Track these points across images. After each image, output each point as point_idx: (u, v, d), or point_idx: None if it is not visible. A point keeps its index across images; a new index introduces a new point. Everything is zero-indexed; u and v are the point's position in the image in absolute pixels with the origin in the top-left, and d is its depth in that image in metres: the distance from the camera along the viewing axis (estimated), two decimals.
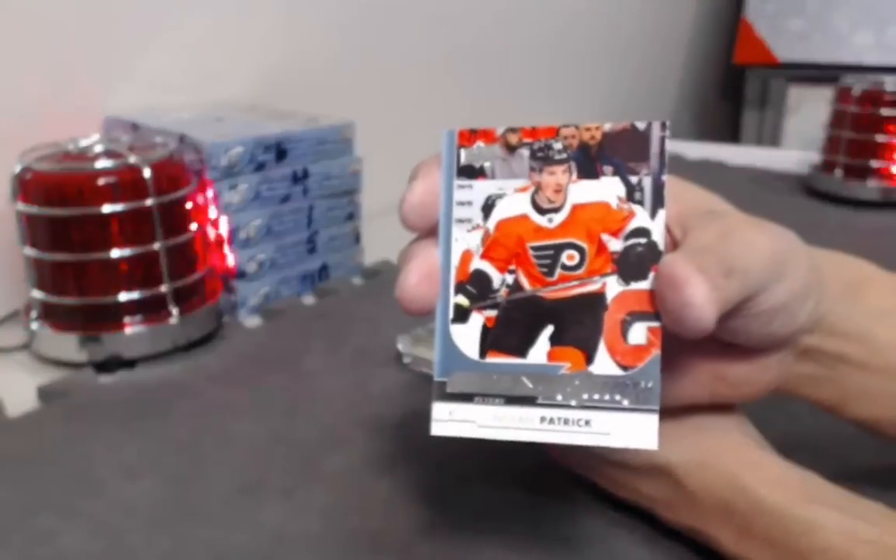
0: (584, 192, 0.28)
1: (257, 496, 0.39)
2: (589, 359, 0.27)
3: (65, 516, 0.37)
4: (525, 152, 0.29)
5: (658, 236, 0.27)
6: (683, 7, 1.50)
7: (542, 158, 0.29)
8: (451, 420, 0.28)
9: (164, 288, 0.53)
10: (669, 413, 0.32)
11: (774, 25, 1.40)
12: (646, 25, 1.39)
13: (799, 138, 1.37)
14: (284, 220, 0.63)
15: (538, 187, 0.29)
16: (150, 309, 0.53)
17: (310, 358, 0.54)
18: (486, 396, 0.28)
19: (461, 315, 0.29)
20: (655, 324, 0.27)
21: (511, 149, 0.29)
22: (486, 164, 0.29)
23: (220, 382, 0.51)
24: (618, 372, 0.27)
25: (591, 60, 1.28)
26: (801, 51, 1.38)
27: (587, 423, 0.27)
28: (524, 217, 0.29)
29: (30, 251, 0.52)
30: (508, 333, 0.28)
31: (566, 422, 0.27)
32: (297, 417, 0.46)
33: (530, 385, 0.28)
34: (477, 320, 0.29)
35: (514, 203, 0.29)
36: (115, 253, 0.51)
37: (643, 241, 0.27)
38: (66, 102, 0.64)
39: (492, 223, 0.29)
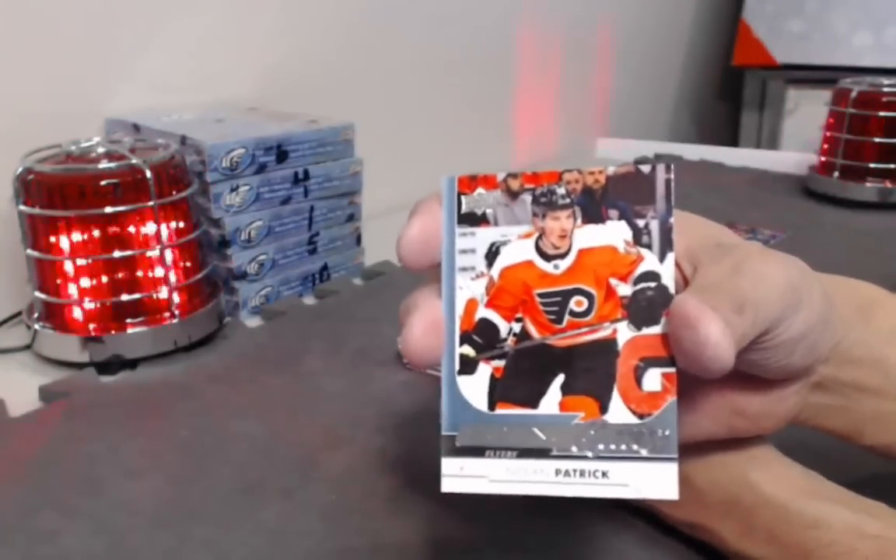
0: (590, 236, 0.28)
1: (258, 496, 0.39)
2: (603, 408, 0.27)
3: (66, 515, 0.38)
4: (527, 198, 0.28)
5: (668, 279, 0.27)
6: (682, 9, 1.51)
7: (546, 203, 0.28)
8: (462, 476, 0.27)
9: (165, 288, 0.53)
10: (688, 447, 0.31)
11: (773, 27, 1.41)
12: (645, 27, 1.39)
13: (797, 140, 1.37)
14: (285, 221, 0.63)
15: (542, 233, 0.28)
16: (152, 310, 0.53)
17: (310, 358, 0.54)
18: (497, 450, 0.27)
19: (467, 366, 0.28)
20: (670, 369, 0.26)
21: (513, 195, 0.28)
22: (489, 211, 0.28)
23: (221, 382, 0.51)
24: (633, 420, 0.26)
25: (591, 61, 1.28)
26: (800, 52, 1.38)
27: (604, 474, 0.26)
28: (529, 264, 0.28)
29: (32, 252, 0.53)
30: (518, 383, 0.28)
31: (582, 473, 0.27)
32: (297, 417, 0.46)
33: (543, 436, 0.27)
34: (484, 371, 0.28)
35: (519, 250, 0.28)
36: (117, 254, 0.51)
37: (653, 284, 0.27)
38: (68, 104, 0.64)
39: (496, 271, 0.28)
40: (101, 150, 0.53)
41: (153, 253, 0.53)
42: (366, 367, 0.52)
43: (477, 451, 0.28)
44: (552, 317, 0.28)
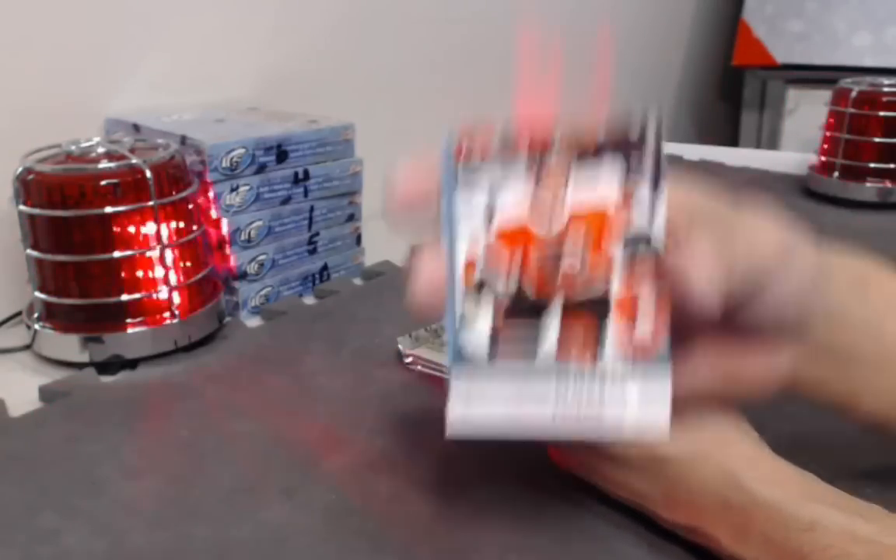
0: (583, 198, 0.29)
1: (258, 496, 0.39)
2: (598, 358, 0.28)
3: (67, 515, 0.38)
4: (522, 161, 0.29)
5: (657, 238, 0.28)
6: (682, 8, 1.51)
7: (539, 165, 0.29)
8: (466, 422, 0.29)
9: (165, 289, 0.53)
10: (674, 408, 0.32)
11: (773, 27, 1.40)
12: (644, 27, 1.39)
13: (797, 140, 1.37)
14: (285, 221, 0.63)
15: (536, 194, 0.29)
16: (152, 310, 0.53)
17: (310, 358, 0.54)
18: (499, 399, 0.29)
19: (468, 322, 0.29)
20: (661, 322, 0.28)
21: (508, 157, 0.29)
22: (485, 174, 0.29)
23: (221, 382, 0.51)
24: (626, 370, 0.28)
25: (590, 61, 1.28)
26: (800, 53, 1.38)
27: (600, 418, 0.28)
28: (524, 225, 0.29)
29: (32, 252, 0.53)
30: (516, 338, 0.29)
31: (579, 419, 0.29)
32: (297, 417, 0.46)
33: (542, 385, 0.29)
34: (485, 326, 0.29)
35: (514, 211, 0.29)
36: (117, 254, 0.51)
37: (643, 244, 0.28)
38: (68, 104, 0.64)
39: (493, 232, 0.29)
40: (101, 150, 0.53)
41: (153, 253, 0.53)
42: (366, 367, 0.52)
43: (480, 401, 0.29)
44: (547, 275, 0.29)
